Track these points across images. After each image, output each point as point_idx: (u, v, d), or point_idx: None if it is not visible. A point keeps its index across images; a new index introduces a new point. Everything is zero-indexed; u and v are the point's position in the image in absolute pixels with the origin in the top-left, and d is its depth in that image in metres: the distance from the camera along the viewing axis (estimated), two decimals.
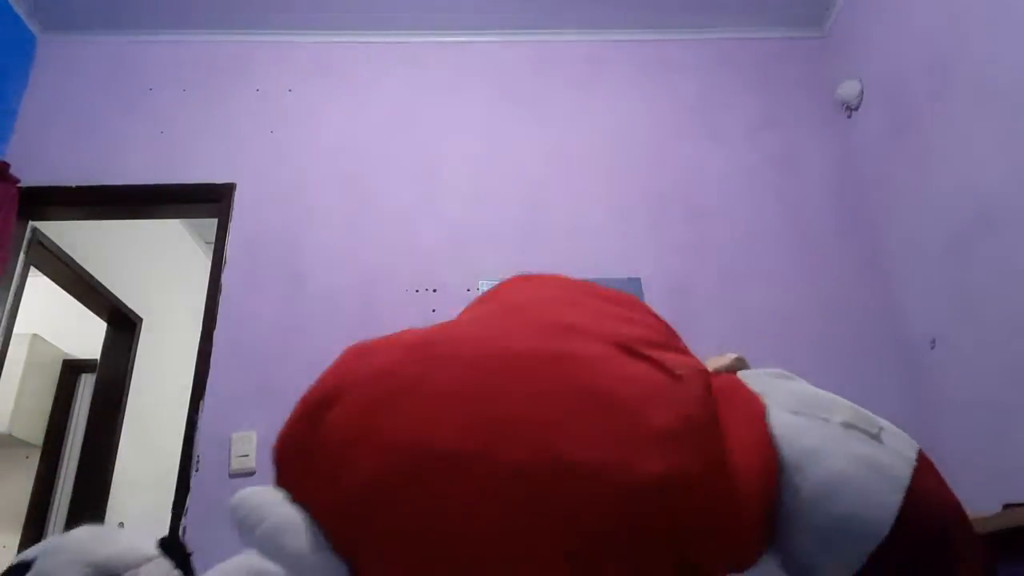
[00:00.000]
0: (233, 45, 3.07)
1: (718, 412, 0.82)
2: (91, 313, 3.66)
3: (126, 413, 3.63)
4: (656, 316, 0.99)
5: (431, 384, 0.77)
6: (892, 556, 0.75)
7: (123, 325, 3.76)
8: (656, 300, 2.66)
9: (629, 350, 0.82)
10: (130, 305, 3.76)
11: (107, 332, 3.76)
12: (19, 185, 2.68)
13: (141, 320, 3.85)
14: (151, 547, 0.79)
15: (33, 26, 3.00)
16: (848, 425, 0.83)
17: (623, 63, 3.11)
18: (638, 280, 2.69)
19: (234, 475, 2.35)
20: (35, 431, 3.85)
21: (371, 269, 2.67)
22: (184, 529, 2.27)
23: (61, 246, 3.09)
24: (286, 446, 0.84)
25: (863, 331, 2.66)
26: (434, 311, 2.62)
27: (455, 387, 0.77)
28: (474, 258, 2.71)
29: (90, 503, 3.45)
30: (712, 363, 1.01)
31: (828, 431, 0.83)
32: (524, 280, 1.04)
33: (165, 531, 2.29)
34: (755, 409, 0.84)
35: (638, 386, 0.77)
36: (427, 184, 2.83)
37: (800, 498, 0.78)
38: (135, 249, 3.92)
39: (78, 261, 3.25)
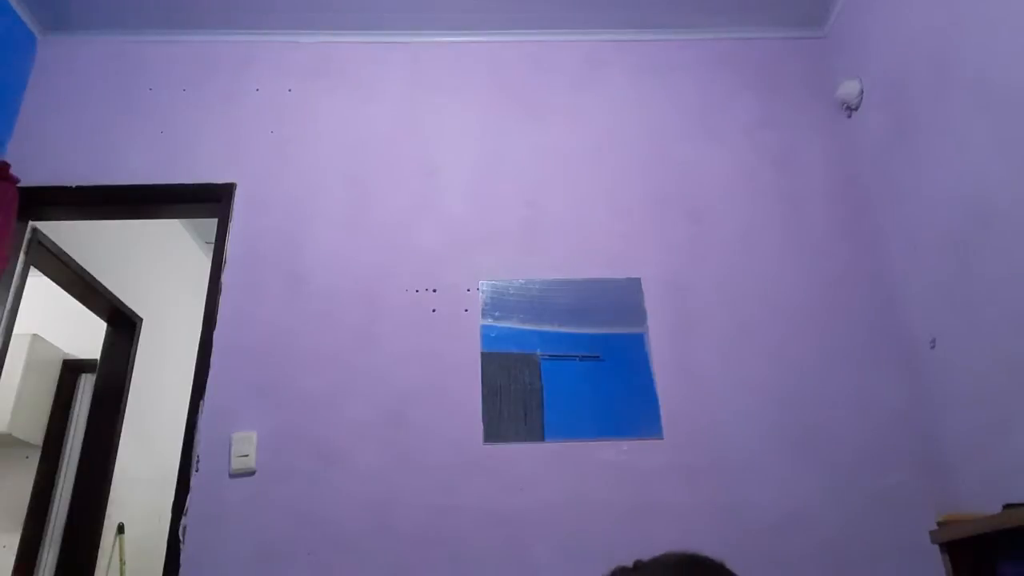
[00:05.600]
0: (233, 45, 3.07)
1: None
2: (91, 313, 3.66)
3: (126, 413, 3.64)
4: None
5: None
6: None
7: (123, 325, 3.76)
8: (656, 300, 2.67)
9: None
10: (130, 305, 3.76)
11: (107, 332, 3.76)
12: (19, 185, 2.68)
13: (141, 320, 3.85)
14: None
15: (33, 26, 3.00)
16: None
17: (623, 63, 3.11)
18: (638, 280, 2.69)
19: (234, 475, 2.35)
20: (35, 431, 3.85)
21: (371, 269, 2.68)
22: (184, 529, 2.27)
23: (61, 246, 3.09)
24: None
25: (863, 331, 2.66)
26: (434, 311, 2.62)
27: None
28: (474, 258, 2.71)
29: (90, 503, 3.45)
30: None
31: None
32: None
33: (165, 531, 2.29)
34: None
35: None
36: (427, 184, 2.83)
37: None
38: (135, 249, 3.93)
39: (78, 261, 3.25)
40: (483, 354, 2.56)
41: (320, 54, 3.06)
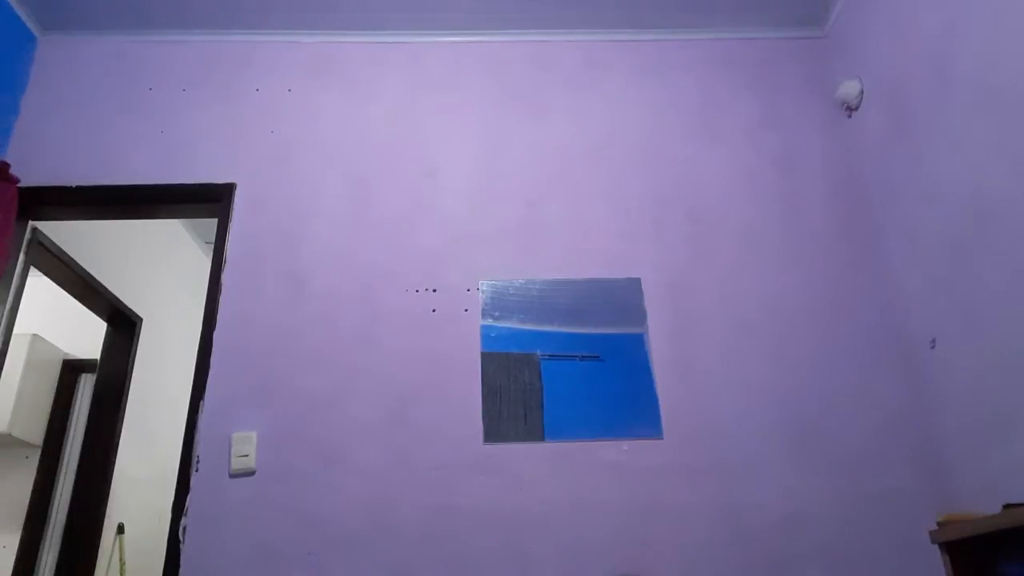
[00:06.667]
0: (233, 45, 3.07)
1: None
2: (91, 313, 3.66)
3: (126, 413, 3.64)
4: None
5: None
6: None
7: (123, 325, 3.76)
8: (656, 300, 2.67)
9: None
10: (130, 305, 3.76)
11: (107, 332, 3.76)
12: (19, 185, 2.68)
13: (141, 320, 3.85)
14: None
15: (33, 26, 3.00)
16: None
17: (623, 63, 3.11)
18: (638, 280, 2.69)
19: (234, 475, 2.35)
20: (35, 431, 3.85)
21: (371, 269, 2.68)
22: (184, 529, 2.27)
23: (61, 246, 3.09)
24: None
25: (863, 331, 2.66)
26: (434, 311, 2.62)
27: None
28: (474, 258, 2.71)
29: (90, 503, 3.45)
30: None
31: None
32: None
33: (165, 531, 2.29)
34: None
35: None
36: (427, 184, 2.83)
37: None
38: (135, 249, 3.93)
39: (78, 261, 3.25)
40: (483, 354, 2.56)
41: (320, 54, 3.06)
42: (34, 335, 3.85)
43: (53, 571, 3.42)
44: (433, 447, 2.42)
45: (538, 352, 2.58)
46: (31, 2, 2.92)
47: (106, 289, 3.53)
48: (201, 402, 2.44)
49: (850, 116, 2.97)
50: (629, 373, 2.55)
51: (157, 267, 4.19)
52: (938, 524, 2.01)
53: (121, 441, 3.59)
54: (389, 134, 2.92)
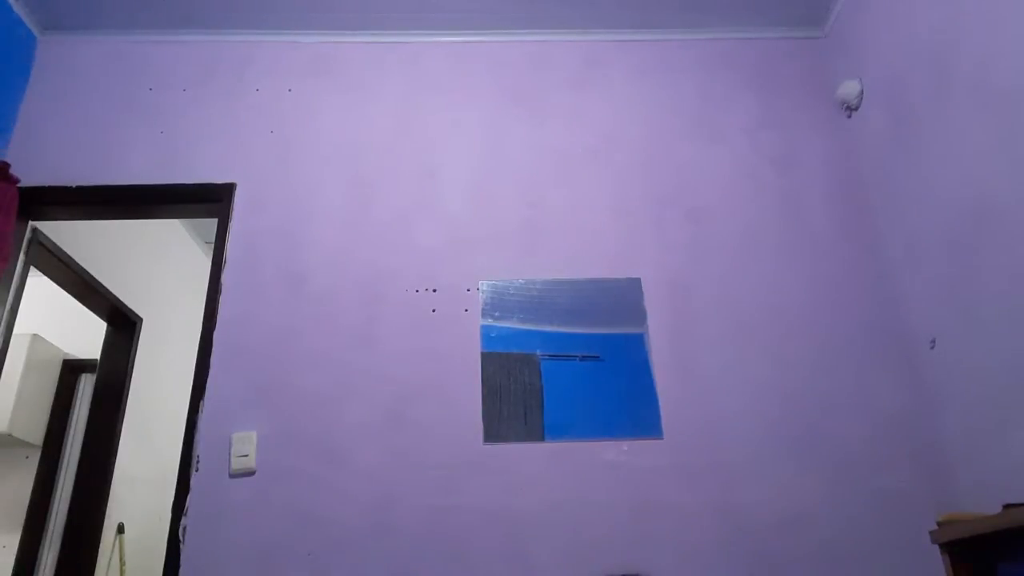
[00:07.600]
0: (233, 45, 3.07)
1: None
2: (91, 313, 3.66)
3: (126, 413, 3.64)
4: None
5: None
6: None
7: (123, 325, 3.76)
8: (656, 300, 2.67)
9: None
10: (130, 305, 3.76)
11: (107, 332, 3.76)
12: (19, 185, 2.68)
13: (141, 320, 3.85)
14: None
15: (33, 26, 3.00)
16: None
17: (623, 63, 3.11)
18: (638, 280, 2.69)
19: (234, 475, 2.35)
20: (35, 431, 3.85)
21: (371, 269, 2.68)
22: (184, 529, 2.27)
23: (61, 246, 3.09)
24: None
25: (863, 331, 2.66)
26: (434, 311, 2.62)
27: None
28: (474, 258, 2.71)
29: (90, 503, 3.45)
30: None
31: None
32: None
33: (165, 531, 2.29)
34: None
35: None
36: (427, 184, 2.83)
37: None
38: (135, 249, 3.93)
39: (78, 261, 3.25)
40: (483, 354, 2.56)
41: (320, 54, 3.06)
42: (34, 335, 3.85)
43: (53, 571, 3.42)
44: (433, 447, 2.42)
45: (538, 352, 2.58)
46: (31, 2, 2.92)
47: (106, 289, 3.53)
48: (201, 402, 2.44)
49: (850, 116, 2.97)
50: (629, 373, 2.55)
51: (157, 267, 4.19)
52: (938, 524, 2.01)
53: (121, 441, 3.59)
54: (389, 134, 2.92)
